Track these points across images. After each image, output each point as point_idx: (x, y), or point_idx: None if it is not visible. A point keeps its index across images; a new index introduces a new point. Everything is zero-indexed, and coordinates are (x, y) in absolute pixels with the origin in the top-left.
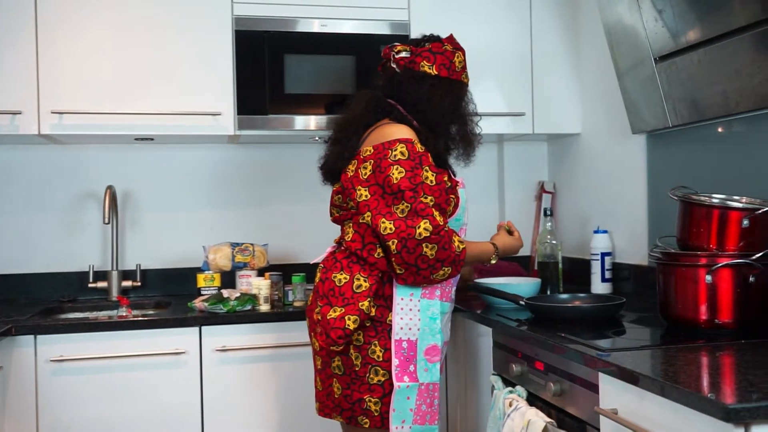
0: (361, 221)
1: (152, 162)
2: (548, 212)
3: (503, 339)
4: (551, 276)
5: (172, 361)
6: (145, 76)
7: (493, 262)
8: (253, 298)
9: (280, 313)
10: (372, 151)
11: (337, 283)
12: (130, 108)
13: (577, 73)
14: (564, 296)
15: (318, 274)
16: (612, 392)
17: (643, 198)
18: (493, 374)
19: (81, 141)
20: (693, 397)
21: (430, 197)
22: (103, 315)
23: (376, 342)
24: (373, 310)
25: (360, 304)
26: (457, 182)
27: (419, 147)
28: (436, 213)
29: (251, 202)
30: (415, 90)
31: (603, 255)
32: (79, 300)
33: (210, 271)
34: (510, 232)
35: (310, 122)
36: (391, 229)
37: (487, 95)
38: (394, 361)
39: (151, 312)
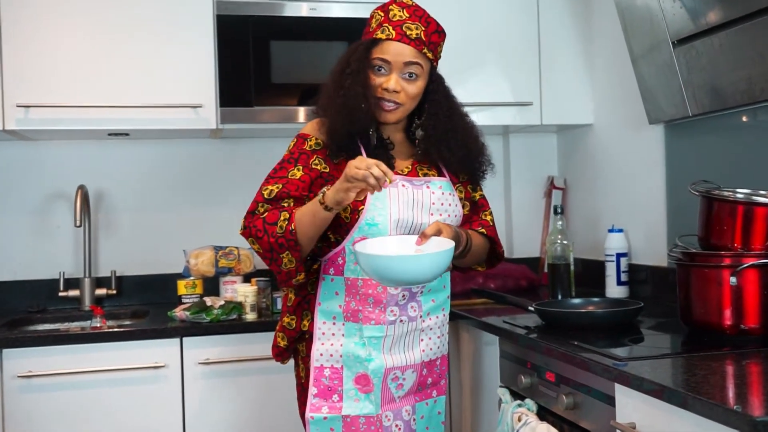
0: None
1: (128, 159)
2: (558, 210)
3: (511, 348)
4: (562, 279)
5: (151, 375)
6: (120, 65)
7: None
8: (238, 307)
9: (269, 322)
10: None
11: (284, 296)
12: (103, 101)
13: (589, 59)
14: (576, 301)
15: None
16: (629, 405)
17: (662, 194)
18: (501, 386)
19: (50, 137)
20: (717, 409)
21: (271, 187)
22: (75, 326)
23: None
24: (306, 323)
25: (283, 319)
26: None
27: (311, 143)
28: (258, 206)
29: (236, 201)
30: None
31: (618, 256)
32: (48, 310)
33: (191, 278)
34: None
35: (299, 114)
36: None
37: (491, 84)
38: (312, 390)
39: (127, 322)
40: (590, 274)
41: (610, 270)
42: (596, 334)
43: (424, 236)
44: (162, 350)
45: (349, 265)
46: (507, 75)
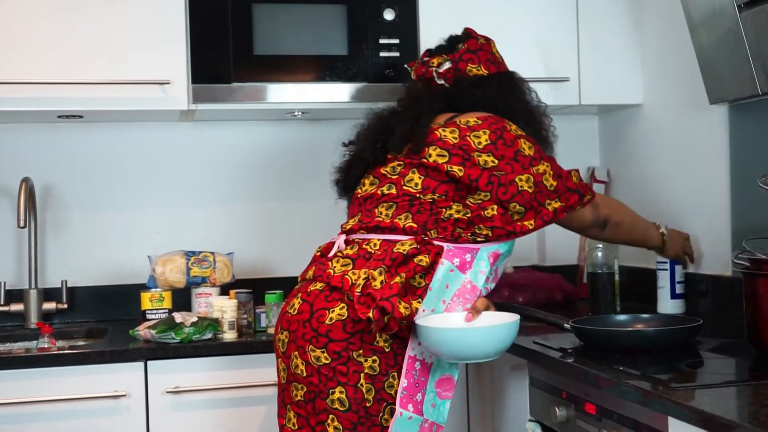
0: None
1: (81, 146)
2: None
3: (543, 374)
4: (605, 291)
5: (109, 406)
6: (71, 34)
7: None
8: (214, 324)
9: (250, 342)
10: (480, 122)
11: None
12: (51, 76)
13: (638, 26)
14: (622, 318)
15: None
16: None
17: (725, 188)
18: (530, 420)
19: None
20: None
21: (573, 171)
22: (18, 348)
23: (395, 373)
24: (404, 311)
25: (399, 305)
26: None
27: None
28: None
29: (211, 197)
30: (472, 95)
31: (672, 264)
32: None
33: (158, 289)
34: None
35: (287, 92)
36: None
37: (520, 56)
38: (403, 382)
39: (81, 343)
40: (639, 285)
41: (663, 281)
42: (646, 358)
43: (475, 311)
44: (123, 376)
45: (478, 267)
46: (539, 47)
